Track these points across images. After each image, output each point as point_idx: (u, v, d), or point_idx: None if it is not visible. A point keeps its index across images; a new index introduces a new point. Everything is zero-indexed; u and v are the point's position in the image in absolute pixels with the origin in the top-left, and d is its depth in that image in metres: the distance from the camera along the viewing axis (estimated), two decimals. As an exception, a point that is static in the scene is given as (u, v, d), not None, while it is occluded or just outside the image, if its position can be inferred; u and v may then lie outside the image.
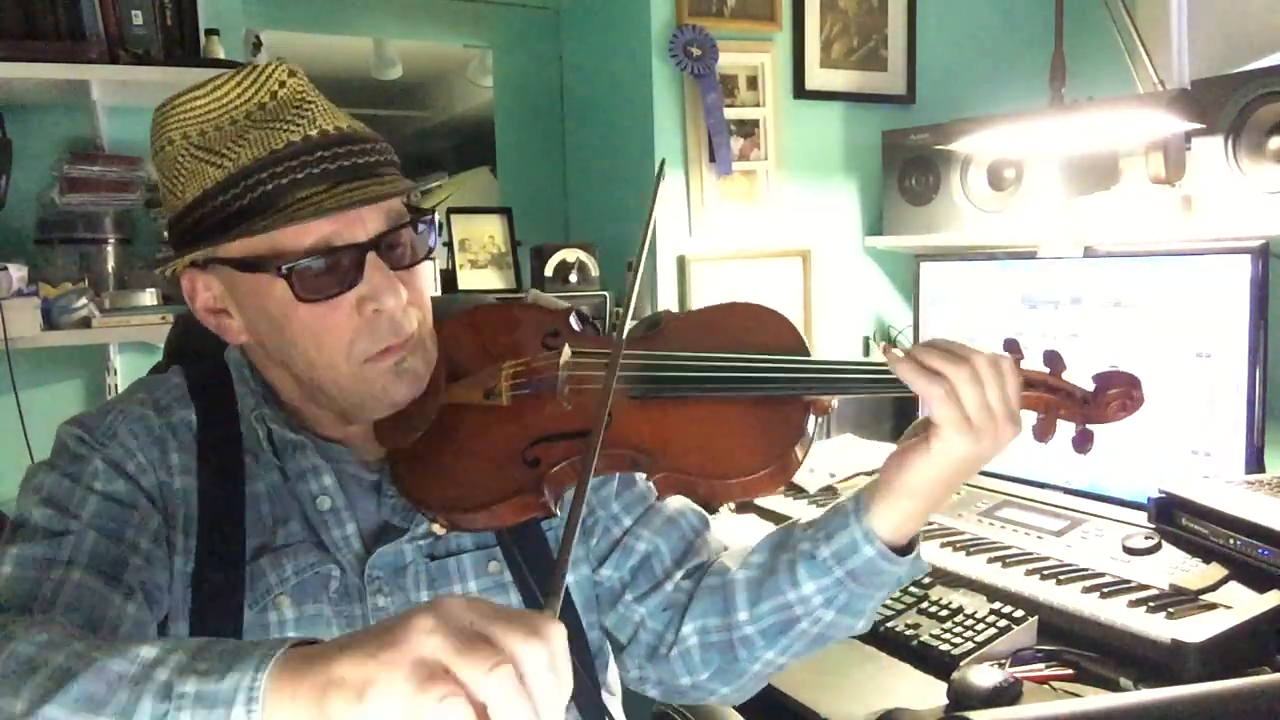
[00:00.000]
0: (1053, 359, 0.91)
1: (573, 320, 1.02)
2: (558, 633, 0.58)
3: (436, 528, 0.94)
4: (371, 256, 0.86)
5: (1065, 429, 0.91)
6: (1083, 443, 0.91)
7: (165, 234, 0.94)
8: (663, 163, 1.10)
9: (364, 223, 0.86)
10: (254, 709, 0.60)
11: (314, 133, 0.85)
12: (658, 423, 0.91)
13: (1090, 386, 0.90)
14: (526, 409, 0.94)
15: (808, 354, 0.93)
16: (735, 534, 1.02)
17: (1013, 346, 0.90)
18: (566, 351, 0.95)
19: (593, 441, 0.75)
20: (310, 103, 0.87)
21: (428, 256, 0.93)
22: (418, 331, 0.91)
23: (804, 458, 0.90)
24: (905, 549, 0.91)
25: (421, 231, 0.92)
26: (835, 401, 0.92)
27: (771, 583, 0.95)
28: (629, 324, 0.89)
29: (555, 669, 0.57)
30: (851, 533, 0.90)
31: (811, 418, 0.90)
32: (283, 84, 0.87)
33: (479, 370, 0.98)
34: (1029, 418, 0.90)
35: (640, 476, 1.03)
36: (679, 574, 1.03)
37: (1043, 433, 0.91)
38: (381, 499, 0.97)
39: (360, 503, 0.97)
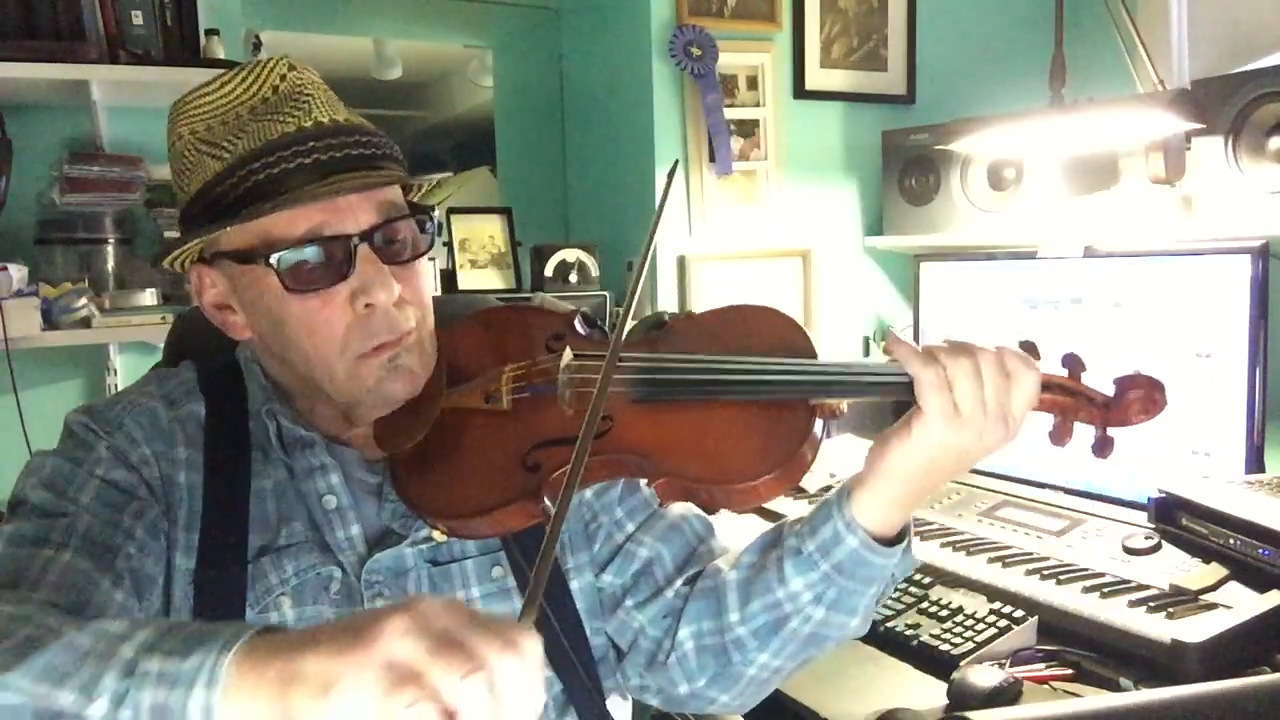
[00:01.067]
0: (1072, 362, 0.89)
1: (577, 323, 1.00)
2: (533, 645, 0.58)
3: (437, 535, 0.93)
4: (363, 249, 0.86)
5: (1084, 433, 0.88)
6: (1103, 447, 0.87)
7: (178, 228, 0.95)
8: (675, 164, 1.09)
9: (355, 214, 0.86)
10: (214, 690, 0.59)
11: (309, 124, 0.85)
12: (659, 427, 0.88)
13: (1110, 391, 0.87)
14: (527, 413, 0.92)
15: (815, 356, 0.90)
16: (737, 533, 1.02)
17: (1029, 348, 0.87)
18: (567, 354, 0.92)
19: (582, 441, 0.74)
20: (308, 95, 0.88)
21: (426, 252, 0.92)
22: (415, 330, 0.90)
23: (813, 461, 0.87)
24: (894, 541, 0.89)
25: (427, 230, 0.91)
26: (845, 406, 0.88)
27: (760, 581, 0.93)
28: (629, 323, 0.87)
29: (528, 682, 0.56)
30: (834, 524, 0.88)
31: (819, 421, 0.87)
32: (283, 77, 0.88)
33: (481, 374, 0.97)
34: (1045, 421, 0.88)
35: (643, 482, 1.01)
36: (679, 581, 1.01)
37: (1060, 436, 0.88)
38: (383, 503, 0.96)
39: (363, 506, 0.96)
